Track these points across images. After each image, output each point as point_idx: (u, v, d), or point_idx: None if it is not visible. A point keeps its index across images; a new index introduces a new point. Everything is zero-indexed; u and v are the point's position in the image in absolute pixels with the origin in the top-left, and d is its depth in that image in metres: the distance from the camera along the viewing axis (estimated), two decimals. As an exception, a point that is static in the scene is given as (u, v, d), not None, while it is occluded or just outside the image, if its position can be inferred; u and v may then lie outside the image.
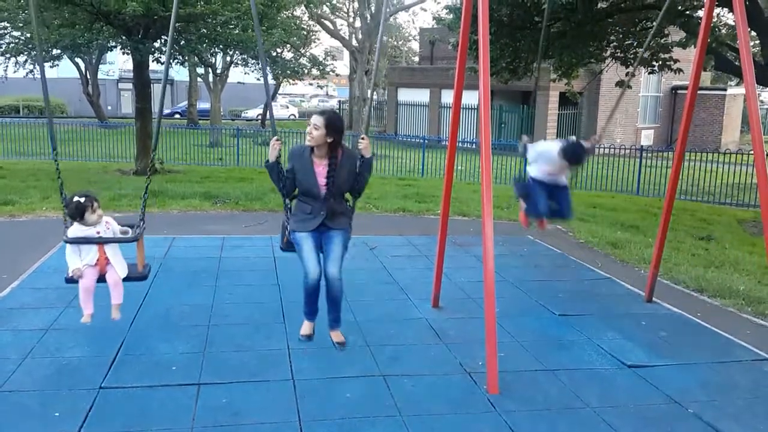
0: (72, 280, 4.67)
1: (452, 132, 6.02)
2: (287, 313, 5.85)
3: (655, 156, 18.33)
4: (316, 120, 4.66)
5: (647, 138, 29.73)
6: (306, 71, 21.41)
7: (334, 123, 4.66)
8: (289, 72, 20.08)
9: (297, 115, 47.41)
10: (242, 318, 5.77)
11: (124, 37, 13.66)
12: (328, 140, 4.64)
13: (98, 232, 4.62)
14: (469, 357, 5.05)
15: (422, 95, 31.49)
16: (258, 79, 23.15)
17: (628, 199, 14.81)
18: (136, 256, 4.96)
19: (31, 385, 4.34)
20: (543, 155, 6.25)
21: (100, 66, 32.28)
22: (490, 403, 4.33)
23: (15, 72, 19.82)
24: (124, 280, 4.79)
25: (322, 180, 4.70)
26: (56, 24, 12.82)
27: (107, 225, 4.70)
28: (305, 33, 21.55)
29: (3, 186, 12.42)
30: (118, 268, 4.75)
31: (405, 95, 32.49)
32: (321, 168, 4.70)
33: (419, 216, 11.07)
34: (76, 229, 4.62)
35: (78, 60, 28.66)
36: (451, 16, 13.07)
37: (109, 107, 41.96)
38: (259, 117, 36.71)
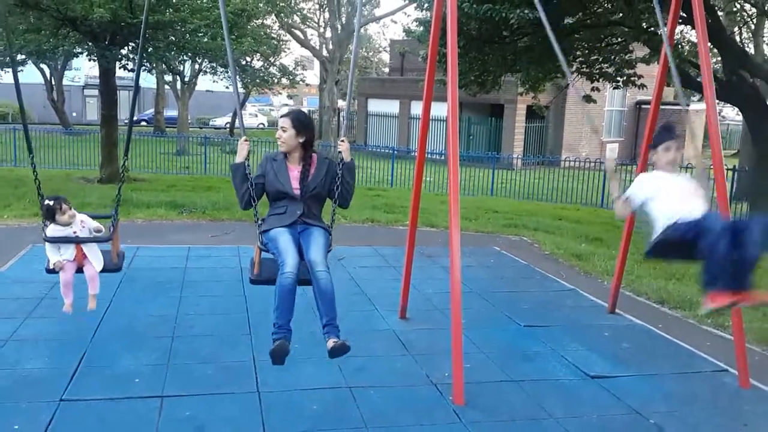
0: (52, 271, 4.98)
1: (421, 143, 6.06)
2: (253, 325, 5.82)
3: (620, 169, 18.64)
4: (283, 122, 4.43)
5: (612, 151, 30.22)
6: (276, 80, 21.31)
7: (300, 121, 4.44)
8: (258, 81, 19.98)
9: (266, 124, 47.20)
10: (207, 329, 5.72)
11: (90, 44, 13.48)
12: (300, 140, 4.40)
13: (75, 232, 4.94)
14: (435, 368, 5.06)
15: (392, 106, 31.61)
16: (227, 87, 23.05)
17: (593, 212, 15.02)
18: (111, 247, 5.24)
19: (-11, 397, 4.24)
20: (647, 186, 4.15)
21: (66, 72, 31.75)
22: (455, 414, 4.35)
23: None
24: (101, 272, 5.11)
25: (296, 184, 4.38)
26: (21, 29, 12.60)
27: (82, 224, 5.01)
28: (275, 42, 21.51)
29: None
30: (95, 262, 5.09)
31: (375, 106, 32.58)
32: (295, 172, 4.41)
33: (388, 227, 11.10)
34: (54, 229, 4.90)
35: (43, 66, 28.22)
36: (420, 28, 13.17)
37: (74, 114, 41.31)
38: (228, 125, 36.49)
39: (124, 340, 5.37)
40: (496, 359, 5.36)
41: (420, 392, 4.68)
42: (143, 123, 40.98)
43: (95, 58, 14.21)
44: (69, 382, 4.51)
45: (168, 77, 26.31)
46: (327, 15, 20.11)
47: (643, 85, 12.33)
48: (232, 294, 6.73)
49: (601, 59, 12.43)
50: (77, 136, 22.64)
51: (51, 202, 4.83)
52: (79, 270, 5.06)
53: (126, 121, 35.56)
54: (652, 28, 10.92)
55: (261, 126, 45.84)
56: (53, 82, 30.50)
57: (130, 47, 14.20)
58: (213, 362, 5.01)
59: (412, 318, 6.22)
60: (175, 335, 5.53)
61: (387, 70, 39.80)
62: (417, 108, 30.82)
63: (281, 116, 4.59)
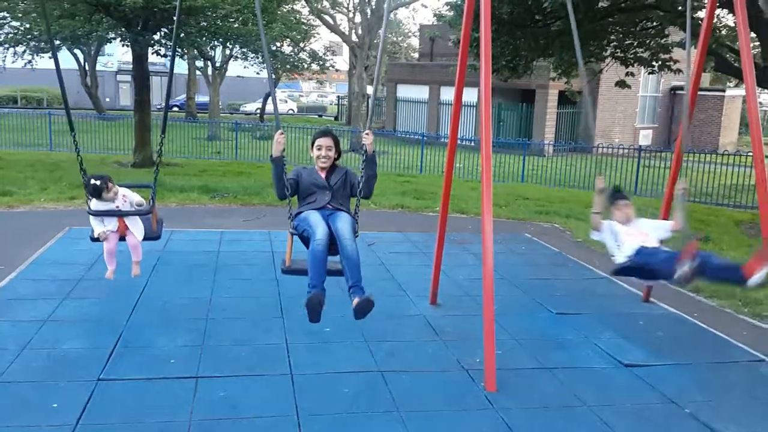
0: (96, 240, 5.32)
1: (452, 129, 6.03)
2: (285, 308, 5.86)
3: (654, 156, 18.36)
4: (327, 142, 4.75)
5: (645, 138, 29.74)
6: (305, 66, 21.31)
7: (338, 141, 4.86)
8: (288, 66, 19.99)
9: (296, 110, 47.33)
10: (240, 312, 5.78)
11: (123, 29, 13.61)
12: (335, 156, 4.82)
13: (117, 206, 5.24)
14: (466, 354, 5.05)
15: (421, 92, 31.46)
16: (257, 73, 23.13)
17: (637, 200, 14.78)
18: (151, 218, 5.57)
19: (30, 376, 4.34)
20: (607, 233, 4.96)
21: (99, 58, 32.11)
22: (487, 400, 4.34)
23: (13, 62, 19.75)
24: (143, 240, 5.46)
25: (323, 178, 4.75)
26: (56, 15, 12.76)
27: (124, 198, 5.30)
28: (305, 28, 21.48)
29: (1, 176, 12.38)
30: (136, 232, 5.42)
31: (404, 92, 32.45)
32: (323, 173, 4.79)
33: (418, 213, 11.07)
34: (97, 203, 5.20)
35: (77, 51, 28.57)
36: (452, 12, 13.05)
37: (108, 99, 41.81)
38: (258, 111, 36.64)
39: (159, 321, 5.45)
40: (528, 346, 5.33)
41: (451, 377, 4.68)
42: (175, 108, 41.33)
43: (128, 44, 14.35)
44: (106, 362, 4.60)
45: (199, 63, 26.46)
46: (356, 0, 20.05)
47: (679, 70, 12.09)
48: (264, 277, 6.79)
49: (636, 43, 12.20)
50: (111, 121, 22.91)
51: (98, 182, 5.08)
52: (122, 239, 5.38)
53: (158, 106, 35.92)
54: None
55: (290, 112, 45.96)
56: (87, 68, 30.87)
57: (162, 33, 14.29)
58: (246, 344, 5.07)
59: (443, 304, 6.22)
60: (209, 317, 5.60)
61: (416, 55, 39.58)
62: (446, 93, 30.63)
63: (321, 135, 4.83)
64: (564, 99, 26.80)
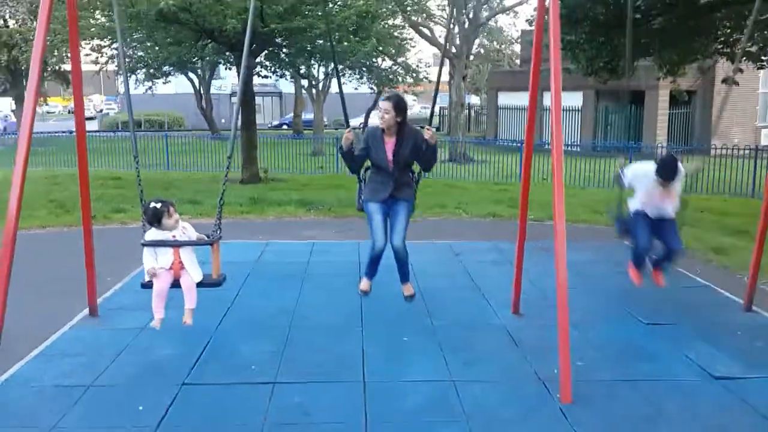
0: (147, 285, 4.79)
1: (528, 134, 5.98)
2: (366, 318, 5.95)
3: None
4: (386, 105, 5.38)
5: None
6: (401, 79, 21.54)
7: (399, 105, 5.39)
8: (384, 80, 20.29)
9: (400, 123, 47.80)
10: (322, 321, 5.92)
11: (227, 53, 14.34)
12: (398, 120, 5.37)
13: (174, 236, 4.73)
14: (545, 365, 4.92)
15: (523, 98, 30.95)
16: (356, 89, 23.60)
17: (742, 203, 13.91)
18: (212, 263, 4.97)
19: (121, 380, 4.65)
20: (638, 180, 5.92)
21: (213, 81, 33.88)
22: (561, 412, 4.22)
23: (135, 88, 21.28)
24: (198, 285, 4.82)
25: (390, 155, 5.43)
26: (167, 42, 13.64)
27: (183, 230, 4.79)
28: (399, 41, 21.71)
29: (118, 195, 13.34)
30: (193, 273, 4.80)
31: (505, 99, 32.07)
32: (390, 144, 5.44)
33: (510, 221, 10.88)
34: (153, 233, 4.75)
35: (192, 76, 30.34)
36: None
37: (223, 120, 43.95)
38: (361, 125, 37.38)
39: (245, 329, 5.69)
40: (612, 357, 5.14)
41: (526, 388, 4.59)
42: (284, 127, 42.88)
43: (231, 67, 15.09)
44: (192, 368, 4.86)
45: (304, 82, 27.33)
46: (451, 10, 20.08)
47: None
48: (349, 287, 6.88)
49: (743, 38, 11.44)
50: (224, 141, 24.09)
51: (159, 205, 4.68)
52: (175, 285, 4.82)
53: (270, 125, 37.12)
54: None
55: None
56: (202, 92, 32.67)
57: (263, 55, 14.92)
58: (324, 352, 5.19)
59: (525, 313, 6.10)
60: (293, 325, 5.78)
61: (519, 61, 39.00)
62: (548, 99, 30.00)
63: (383, 99, 5.55)
64: (676, 99, 25.57)
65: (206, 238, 4.82)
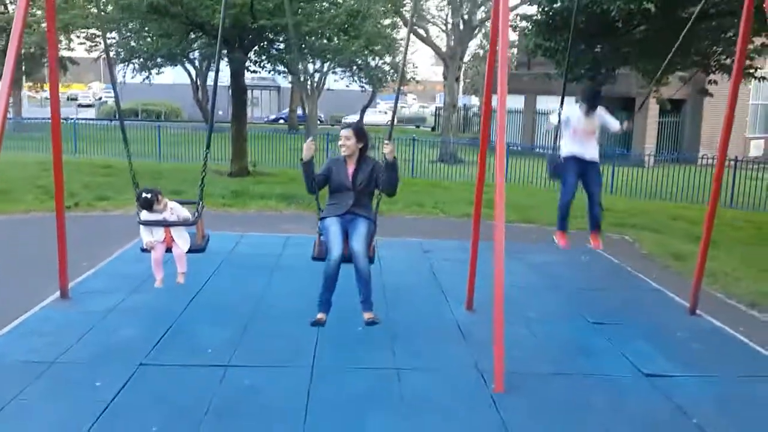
0: (146, 251, 5.70)
1: (482, 136, 6.30)
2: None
3: (762, 167, 17.39)
4: (347, 133, 5.30)
5: (757, 148, 28.07)
6: (389, 78, 21.79)
7: (359, 132, 5.34)
8: (374, 79, 20.51)
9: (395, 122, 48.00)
10: (285, 309, 6.19)
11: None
12: (359, 146, 5.31)
13: (164, 218, 5.59)
14: (486, 357, 5.15)
15: (517, 101, 31.23)
16: (347, 86, 23.82)
17: (717, 212, 14.15)
18: (196, 230, 5.87)
19: (83, 358, 4.92)
20: (568, 116, 6.57)
21: (209, 73, 34.04)
22: (492, 400, 4.49)
23: (133, 78, 21.49)
24: (187, 252, 5.76)
25: (350, 177, 5.30)
26: (158, 35, 13.87)
27: (172, 211, 5.65)
28: (388, 41, 21.94)
29: (105, 183, 13.59)
30: (181, 243, 5.73)
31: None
32: (351, 168, 5.33)
33: (484, 221, 11.13)
34: (147, 214, 5.59)
35: (189, 67, 30.52)
36: (522, 23, 13.09)
37: (220, 112, 44.11)
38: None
39: (208, 315, 5.96)
40: (552, 352, 5.42)
41: (464, 378, 4.86)
42: (281, 121, 43.07)
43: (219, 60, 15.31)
44: (152, 349, 5.12)
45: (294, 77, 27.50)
46: (445, 13, 20.37)
47: (763, 78, 11.51)
48: (315, 280, 7.14)
49: (719, 50, 11.73)
50: (219, 133, 24.29)
51: (148, 195, 5.46)
52: (168, 250, 5.70)
53: (265, 118, 37.21)
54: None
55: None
56: (198, 83, 32.84)
57: (254, 50, 15.14)
58: (281, 338, 5.46)
59: (478, 310, 6.36)
60: (254, 313, 6.05)
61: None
62: (542, 103, 30.24)
63: (343, 127, 5.45)
64: (667, 108, 25.81)
65: (190, 218, 5.72)
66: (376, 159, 5.42)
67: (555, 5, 11.44)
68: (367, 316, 5.08)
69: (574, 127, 6.53)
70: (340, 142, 5.32)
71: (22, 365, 4.74)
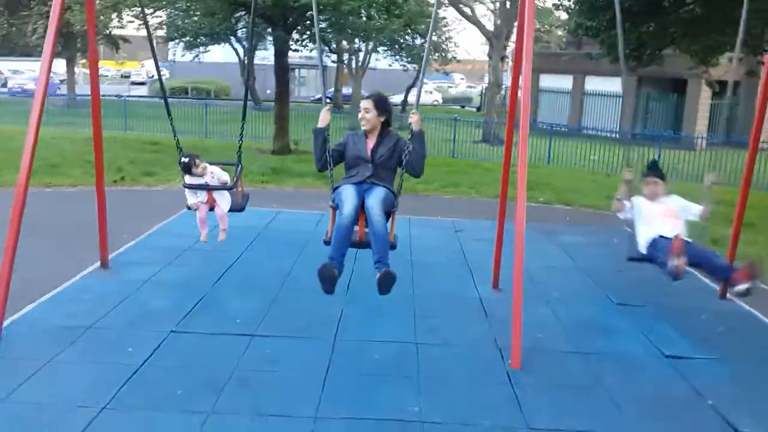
0: (190, 209, 6.18)
1: (510, 114, 6.28)
2: (354, 283, 6.35)
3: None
4: (366, 104, 4.97)
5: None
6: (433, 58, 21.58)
7: (380, 103, 4.97)
8: (414, 58, 20.41)
9: (441, 101, 47.78)
10: (312, 284, 6.27)
11: (263, 26, 14.74)
12: (381, 119, 4.95)
13: (206, 182, 6.02)
14: (506, 335, 5.21)
15: (565, 81, 30.76)
16: (389, 66, 23.82)
17: (764, 196, 13.81)
18: (236, 191, 6.25)
19: (118, 324, 5.17)
20: (636, 206, 5.42)
21: (258, 52, 34.41)
22: (507, 375, 4.57)
23: (183, 56, 21.89)
24: (228, 211, 6.16)
25: (369, 151, 4.90)
26: (201, 14, 14.14)
27: (212, 175, 6.05)
28: (428, 20, 21.77)
29: (152, 159, 14.00)
30: (222, 204, 6.14)
31: (547, 81, 31.87)
32: (370, 142, 4.95)
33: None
34: (190, 178, 6.03)
35: (237, 46, 30.92)
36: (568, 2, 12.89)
37: (268, 91, 44.48)
38: (402, 102, 37.60)
39: (239, 288, 6.17)
40: (572, 332, 5.45)
41: (482, 353, 4.95)
42: (327, 100, 43.18)
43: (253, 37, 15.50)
44: (183, 318, 5.35)
45: (338, 56, 27.58)
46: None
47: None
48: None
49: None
50: (265, 111, 24.68)
51: (186, 159, 5.90)
52: (212, 209, 6.15)
53: (313, 98, 37.48)
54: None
55: (435, 102, 46.47)
56: (246, 62, 33.23)
57: (297, 29, 15.29)
58: (307, 312, 5.62)
59: (504, 288, 6.41)
60: (284, 287, 6.24)
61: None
62: (591, 83, 29.72)
63: (364, 98, 5.17)
64: (722, 88, 25.06)
65: (229, 181, 6.14)
66: (400, 136, 5.03)
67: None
68: (379, 273, 4.55)
69: (648, 214, 5.32)
70: (359, 115, 4.98)
71: (59, 330, 5.01)
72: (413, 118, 4.86)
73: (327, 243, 4.85)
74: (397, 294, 5.97)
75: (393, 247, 4.80)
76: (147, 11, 15.26)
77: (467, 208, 10.66)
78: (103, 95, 26.54)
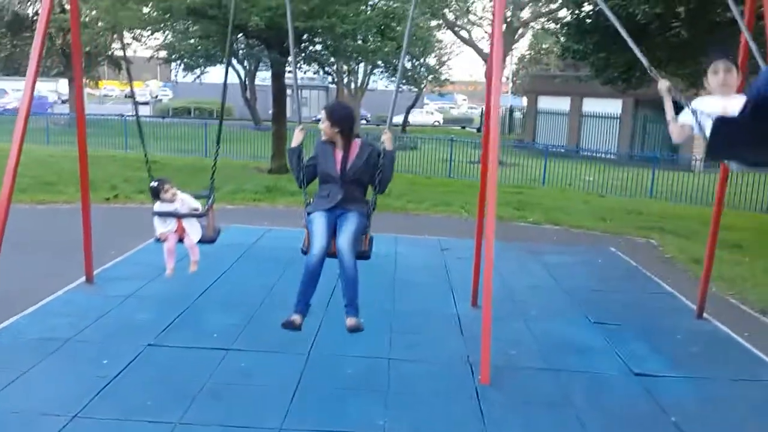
0: (159, 240, 5.91)
1: (485, 134, 6.34)
2: (334, 300, 6.41)
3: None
4: (321, 114, 4.92)
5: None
6: (425, 79, 21.89)
7: (333, 113, 4.79)
8: (409, 80, 20.70)
9: (441, 122, 48.07)
10: (293, 300, 6.41)
11: (255, 48, 14.98)
12: (336, 130, 4.74)
13: (176, 209, 5.77)
14: (480, 351, 5.32)
15: (563, 103, 30.97)
16: (386, 87, 24.08)
17: (753, 217, 13.90)
18: (206, 223, 5.92)
19: (96, 338, 5.27)
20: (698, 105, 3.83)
21: (258, 73, 34.82)
22: (476, 391, 4.64)
23: (184, 77, 22.19)
24: (198, 242, 5.90)
25: (338, 166, 4.77)
26: (198, 36, 14.38)
27: (182, 202, 5.82)
28: (422, 42, 22.09)
29: (148, 178, 14.07)
30: (193, 234, 5.89)
31: (545, 103, 32.10)
32: (338, 156, 4.79)
33: (508, 222, 11.20)
34: (159, 205, 5.79)
35: (238, 67, 31.29)
36: (555, 25, 13.07)
37: (270, 112, 45.06)
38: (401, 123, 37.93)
39: (220, 303, 6.26)
40: (545, 350, 5.51)
41: (453, 370, 5.02)
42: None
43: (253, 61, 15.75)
44: (161, 332, 5.43)
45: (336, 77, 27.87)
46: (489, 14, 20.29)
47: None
48: (328, 273, 7.39)
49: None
50: (264, 131, 24.90)
51: (155, 183, 5.71)
52: (181, 241, 5.87)
53: (314, 117, 37.75)
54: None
55: (436, 123, 46.79)
56: (246, 83, 33.64)
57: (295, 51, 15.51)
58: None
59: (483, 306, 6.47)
60: (264, 303, 6.32)
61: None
62: (588, 105, 29.91)
63: (323, 108, 5.09)
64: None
65: (200, 209, 5.88)
66: (374, 146, 4.88)
67: (582, 8, 11.41)
68: (349, 322, 4.59)
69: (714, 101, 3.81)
70: (319, 125, 4.87)
71: (38, 342, 5.10)
72: (385, 137, 4.83)
73: (305, 252, 4.88)
74: (377, 310, 6.12)
75: (367, 256, 4.83)
76: (145, 33, 15.58)
77: (456, 227, 10.73)
78: (106, 115, 26.90)
